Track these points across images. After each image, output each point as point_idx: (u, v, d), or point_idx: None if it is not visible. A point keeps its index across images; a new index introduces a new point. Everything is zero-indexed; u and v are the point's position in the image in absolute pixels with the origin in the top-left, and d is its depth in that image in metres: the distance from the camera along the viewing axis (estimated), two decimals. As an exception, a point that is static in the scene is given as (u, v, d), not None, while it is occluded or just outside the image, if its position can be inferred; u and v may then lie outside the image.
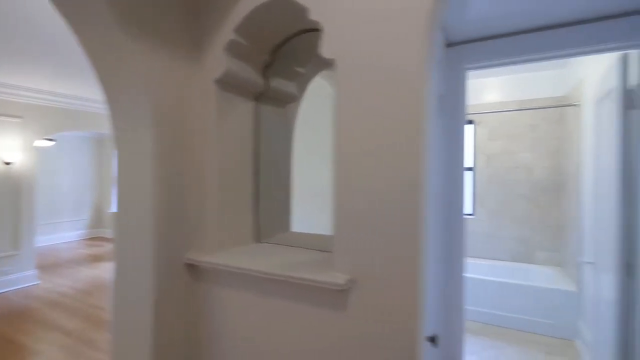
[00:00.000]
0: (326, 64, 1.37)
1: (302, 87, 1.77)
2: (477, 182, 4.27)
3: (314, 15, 1.06)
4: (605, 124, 1.99)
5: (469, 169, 4.38)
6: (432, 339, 1.30)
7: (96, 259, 5.71)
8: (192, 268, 1.27)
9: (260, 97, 1.51)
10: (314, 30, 1.30)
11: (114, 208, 2.37)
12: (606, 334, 1.82)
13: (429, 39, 0.92)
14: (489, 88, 4.24)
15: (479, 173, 4.26)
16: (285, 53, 1.48)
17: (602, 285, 1.96)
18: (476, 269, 3.92)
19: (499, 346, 2.94)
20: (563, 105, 3.61)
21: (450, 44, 2.04)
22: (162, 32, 1.17)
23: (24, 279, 4.32)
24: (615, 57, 1.86)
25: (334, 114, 1.03)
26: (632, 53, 1.73)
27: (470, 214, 4.31)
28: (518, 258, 3.94)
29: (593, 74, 2.63)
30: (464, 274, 1.99)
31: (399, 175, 0.91)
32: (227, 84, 1.29)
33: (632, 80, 1.71)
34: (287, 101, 1.67)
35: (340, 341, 1.00)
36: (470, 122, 4.36)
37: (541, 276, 3.57)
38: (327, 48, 1.03)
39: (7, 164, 4.17)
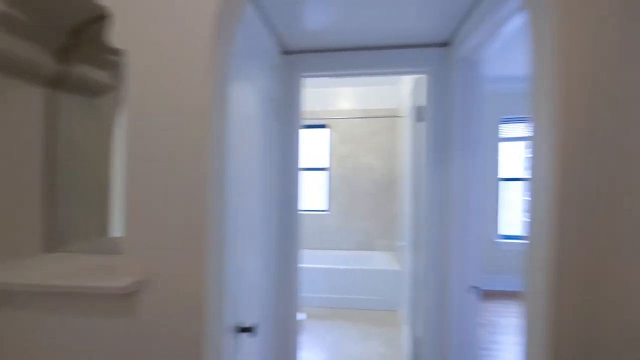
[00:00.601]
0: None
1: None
2: (331, 181, 4.71)
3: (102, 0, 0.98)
4: (410, 133, 2.46)
5: (324, 169, 4.81)
6: (248, 330, 1.37)
7: None
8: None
9: (59, 84, 1.31)
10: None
11: None
12: (406, 298, 2.26)
13: (221, 39, 0.96)
14: (342, 96, 4.72)
15: (333, 173, 4.71)
16: (91, 37, 1.32)
17: (407, 262, 2.43)
18: (328, 260, 4.32)
19: (343, 326, 3.31)
20: (395, 116, 4.32)
21: (287, 52, 2.19)
22: None
23: None
24: (412, 79, 2.33)
25: (125, 108, 0.97)
26: (421, 77, 2.19)
27: (325, 210, 4.73)
28: (362, 247, 4.52)
29: (407, 92, 3.23)
30: (299, 265, 2.16)
31: (187, 174, 0.92)
32: (-4, 63, 1.07)
33: (421, 99, 2.17)
34: (99, 91, 1.49)
35: (132, 347, 0.95)
36: (324, 126, 4.79)
37: (378, 260, 4.19)
38: (116, 37, 0.97)
39: None
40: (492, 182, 4.44)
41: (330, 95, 4.67)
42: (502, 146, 4.51)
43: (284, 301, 2.12)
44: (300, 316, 2.82)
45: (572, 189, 0.79)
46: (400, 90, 4.13)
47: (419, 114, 2.16)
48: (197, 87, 0.92)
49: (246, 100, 1.55)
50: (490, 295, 4.23)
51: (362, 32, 1.93)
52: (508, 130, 4.49)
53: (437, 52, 2.05)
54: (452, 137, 1.93)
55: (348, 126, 4.68)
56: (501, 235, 4.48)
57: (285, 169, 2.15)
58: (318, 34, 1.97)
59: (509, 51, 2.96)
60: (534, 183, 0.89)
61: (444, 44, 2.05)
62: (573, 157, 0.79)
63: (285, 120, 2.17)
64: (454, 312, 1.88)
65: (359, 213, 4.57)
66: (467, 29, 1.69)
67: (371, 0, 1.59)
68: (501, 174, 4.50)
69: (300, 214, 2.19)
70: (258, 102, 1.75)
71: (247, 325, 1.39)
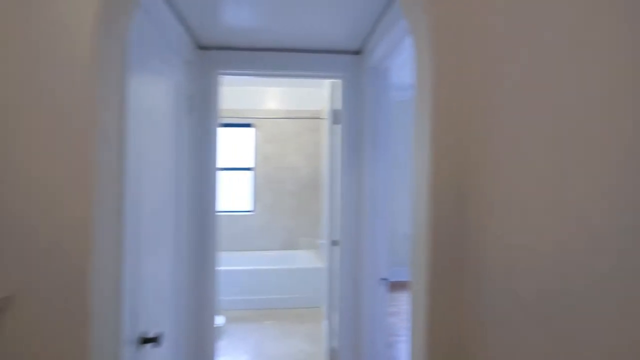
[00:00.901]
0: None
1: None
2: (256, 181, 4.65)
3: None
4: (327, 135, 2.56)
5: (249, 169, 4.73)
6: (153, 340, 1.29)
7: None
8: None
9: None
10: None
11: None
12: (326, 293, 2.35)
13: (107, 23, 0.89)
14: (268, 96, 4.69)
15: (258, 173, 4.65)
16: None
17: (326, 259, 2.52)
18: (252, 261, 4.27)
19: (266, 326, 3.30)
20: (318, 117, 4.44)
21: (202, 47, 2.10)
22: None
23: None
24: (330, 83, 2.42)
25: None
26: (338, 82, 2.29)
27: (250, 211, 4.66)
28: (287, 246, 4.56)
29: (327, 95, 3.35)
30: (217, 268, 2.10)
31: (64, 176, 0.83)
32: None
33: (338, 103, 2.27)
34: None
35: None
36: (250, 125, 4.71)
37: (302, 259, 4.27)
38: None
39: None
40: (407, 181, 4.84)
41: (257, 95, 4.61)
42: (415, 149, 4.94)
43: (200, 306, 2.03)
44: (219, 321, 2.74)
45: (443, 188, 0.91)
46: (323, 93, 4.26)
47: (336, 117, 2.26)
48: (77, 78, 0.84)
49: (154, 94, 1.45)
50: (406, 285, 4.61)
51: (280, 34, 1.95)
52: (420, 134, 4.92)
53: (350, 59, 2.17)
54: (364, 139, 2.06)
55: (273, 126, 4.67)
56: (414, 230, 4.91)
57: (202, 169, 2.07)
58: (235, 31, 1.94)
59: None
60: (415, 183, 1.00)
61: (357, 52, 2.18)
62: (444, 159, 0.91)
63: (202, 118, 2.08)
64: (366, 303, 2.01)
65: (284, 213, 4.60)
66: (374, 39, 1.82)
67: (286, 6, 1.62)
68: (414, 174, 4.92)
69: (219, 215, 2.12)
70: (169, 97, 1.65)
71: (151, 335, 1.30)
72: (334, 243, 2.21)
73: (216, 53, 2.14)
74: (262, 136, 4.66)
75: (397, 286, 4.50)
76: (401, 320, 3.52)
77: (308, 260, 4.15)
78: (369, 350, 2.03)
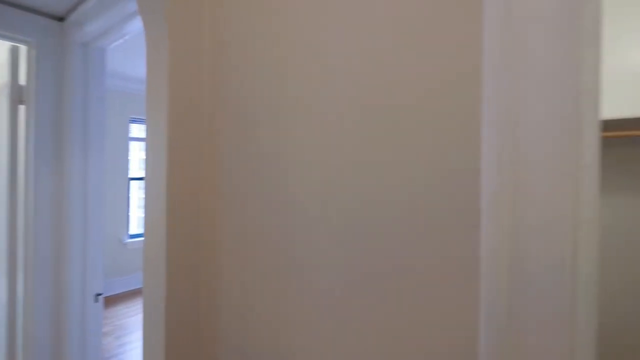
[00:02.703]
0: None
1: None
2: None
3: None
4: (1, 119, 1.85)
5: None
6: None
7: None
8: None
9: None
10: None
11: None
12: (3, 335, 1.69)
13: None
14: None
15: None
16: None
17: (5, 289, 1.81)
18: None
19: None
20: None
21: None
22: None
23: None
24: (7, 50, 1.76)
25: None
26: (23, 49, 1.71)
27: None
28: None
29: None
30: None
31: None
32: None
33: (22, 76, 1.69)
34: None
35: None
36: None
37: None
38: None
39: None
40: (122, 181, 4.31)
41: None
42: (133, 145, 4.50)
43: None
44: None
45: (176, 188, 0.91)
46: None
47: (19, 94, 1.68)
48: None
49: None
50: (121, 297, 4.09)
51: None
52: (137, 130, 4.54)
53: (49, 24, 1.69)
54: (70, 130, 1.66)
55: None
56: (131, 235, 4.45)
57: None
58: None
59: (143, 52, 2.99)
60: (147, 182, 0.95)
61: (60, 18, 1.72)
62: (176, 158, 0.92)
63: None
64: (74, 330, 1.63)
65: None
66: (85, 11, 1.52)
67: None
68: (131, 173, 4.47)
69: None
70: None
71: None
72: (21, 262, 1.64)
73: None
74: None
75: (110, 301, 3.93)
76: (116, 338, 3.11)
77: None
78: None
